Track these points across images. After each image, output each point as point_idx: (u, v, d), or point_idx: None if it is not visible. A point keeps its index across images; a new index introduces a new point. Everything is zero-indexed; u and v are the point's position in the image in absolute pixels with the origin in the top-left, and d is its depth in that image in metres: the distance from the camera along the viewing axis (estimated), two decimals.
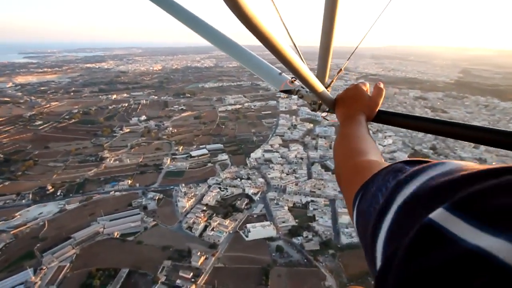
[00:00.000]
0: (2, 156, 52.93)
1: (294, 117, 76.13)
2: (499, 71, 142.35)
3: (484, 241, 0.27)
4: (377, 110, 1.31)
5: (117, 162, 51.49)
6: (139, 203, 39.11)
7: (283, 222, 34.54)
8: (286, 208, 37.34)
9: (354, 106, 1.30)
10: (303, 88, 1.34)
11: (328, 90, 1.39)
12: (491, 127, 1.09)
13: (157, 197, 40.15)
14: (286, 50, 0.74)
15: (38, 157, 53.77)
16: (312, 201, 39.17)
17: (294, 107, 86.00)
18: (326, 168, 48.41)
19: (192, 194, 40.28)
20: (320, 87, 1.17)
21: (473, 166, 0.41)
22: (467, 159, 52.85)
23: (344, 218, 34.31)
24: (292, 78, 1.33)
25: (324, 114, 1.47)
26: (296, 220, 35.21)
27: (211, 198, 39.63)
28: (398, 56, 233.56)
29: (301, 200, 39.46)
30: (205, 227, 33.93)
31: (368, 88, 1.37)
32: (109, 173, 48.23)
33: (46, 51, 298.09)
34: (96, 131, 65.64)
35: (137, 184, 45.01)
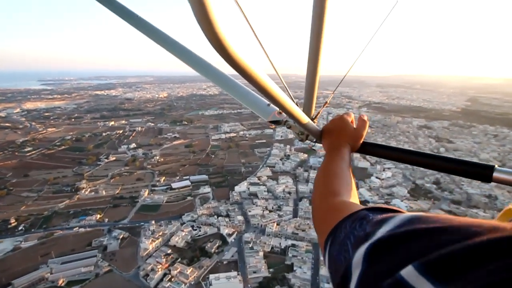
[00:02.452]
0: None
1: (288, 146, 72.67)
2: (509, 100, 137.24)
3: None
4: (361, 141, 1.35)
5: (93, 193, 48.57)
6: (100, 242, 35.34)
7: (254, 272, 29.78)
8: (261, 253, 32.64)
9: (339, 137, 1.33)
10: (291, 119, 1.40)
11: (314, 122, 1.41)
12: (475, 161, 1.15)
13: (121, 236, 36.36)
14: (269, 85, 0.76)
15: (14, 185, 51.58)
16: (293, 245, 34.37)
17: (291, 136, 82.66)
18: (311, 214, 43.79)
19: (160, 234, 36.29)
20: (305, 119, 1.22)
21: (435, 219, 0.44)
22: (475, 195, 47.29)
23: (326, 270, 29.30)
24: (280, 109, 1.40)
25: (311, 144, 1.50)
26: (271, 270, 30.39)
27: (180, 238, 35.50)
28: (404, 84, 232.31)
29: (280, 244, 34.74)
30: (164, 276, 29.55)
31: (353, 118, 1.39)
32: (81, 205, 45.14)
33: (63, 78, 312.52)
34: (82, 159, 63.80)
35: (106, 220, 41.48)
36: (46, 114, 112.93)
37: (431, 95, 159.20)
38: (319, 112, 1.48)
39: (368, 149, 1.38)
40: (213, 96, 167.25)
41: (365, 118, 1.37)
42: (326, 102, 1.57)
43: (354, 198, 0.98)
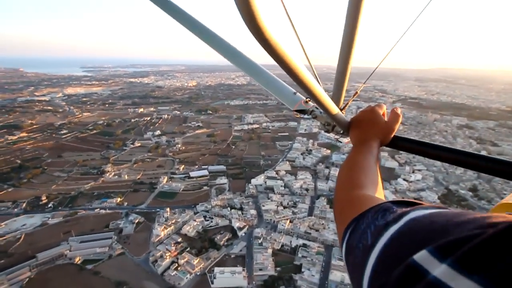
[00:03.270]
0: (18, 162, 55.77)
1: (311, 141, 70.19)
2: None
3: (458, 283, 0.32)
4: (392, 136, 1.28)
5: (116, 177, 50.77)
6: (117, 225, 36.79)
7: (260, 269, 29.02)
8: (270, 251, 31.74)
9: (368, 130, 1.27)
10: (317, 108, 1.37)
11: (342, 113, 1.36)
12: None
13: (136, 221, 37.54)
14: (302, 70, 0.76)
15: (49, 165, 55.61)
16: (304, 245, 33.02)
17: (315, 129, 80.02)
18: (332, 204, 41.58)
19: (173, 221, 36.86)
20: (334, 109, 1.20)
21: (456, 212, 0.45)
22: None
23: (336, 275, 27.70)
24: (307, 98, 1.36)
25: (337, 136, 1.47)
26: (277, 269, 29.43)
27: (191, 228, 35.77)
28: (446, 79, 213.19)
29: (291, 242, 33.55)
30: (172, 263, 29.93)
31: (385, 111, 1.33)
32: (104, 188, 47.44)
33: (103, 66, 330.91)
34: (110, 143, 67.02)
35: (126, 203, 43.16)
36: (84, 99, 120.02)
37: (478, 91, 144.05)
38: (347, 103, 1.43)
39: (400, 144, 1.30)
40: (241, 86, 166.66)
41: (399, 111, 1.28)
42: (356, 93, 1.50)
43: (379, 193, 0.95)
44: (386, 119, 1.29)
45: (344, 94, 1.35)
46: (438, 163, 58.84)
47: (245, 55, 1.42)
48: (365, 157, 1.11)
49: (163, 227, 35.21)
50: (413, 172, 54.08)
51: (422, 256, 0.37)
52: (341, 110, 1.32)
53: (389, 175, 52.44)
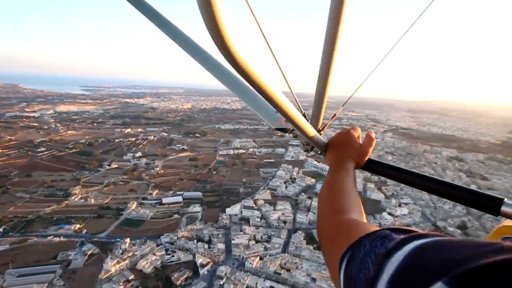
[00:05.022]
0: None
1: (297, 168, 67.78)
2: None
3: None
4: (366, 159, 1.33)
5: (82, 200, 47.39)
6: (67, 256, 33.02)
7: None
8: None
9: (344, 152, 1.31)
10: None
11: (321, 134, 1.43)
12: (485, 192, 1.13)
13: (90, 252, 33.83)
14: (278, 95, 0.78)
15: (14, 185, 52.22)
16: None
17: (302, 157, 77.93)
18: (310, 240, 38.40)
19: (130, 254, 33.19)
20: (311, 131, 1.24)
21: (463, 240, 0.43)
22: None
23: None
24: None
25: (315, 156, 1.51)
26: None
27: (148, 263, 32.10)
28: (438, 111, 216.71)
29: (256, 284, 29.82)
30: None
31: (359, 134, 1.39)
32: (67, 212, 43.93)
33: (103, 86, 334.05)
34: (85, 164, 64.04)
35: (85, 231, 39.49)
36: (74, 117, 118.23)
37: (468, 124, 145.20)
38: (326, 125, 1.46)
39: (373, 167, 1.34)
40: (235, 111, 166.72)
41: (373, 135, 1.33)
42: (334, 115, 1.56)
43: (362, 216, 0.94)
44: (361, 142, 1.32)
45: (322, 115, 1.37)
46: (425, 196, 56.30)
47: (230, 71, 1.36)
48: (343, 179, 1.11)
49: (115, 261, 31.51)
50: (399, 205, 51.27)
51: None
52: (319, 131, 1.36)
53: (374, 208, 49.54)
